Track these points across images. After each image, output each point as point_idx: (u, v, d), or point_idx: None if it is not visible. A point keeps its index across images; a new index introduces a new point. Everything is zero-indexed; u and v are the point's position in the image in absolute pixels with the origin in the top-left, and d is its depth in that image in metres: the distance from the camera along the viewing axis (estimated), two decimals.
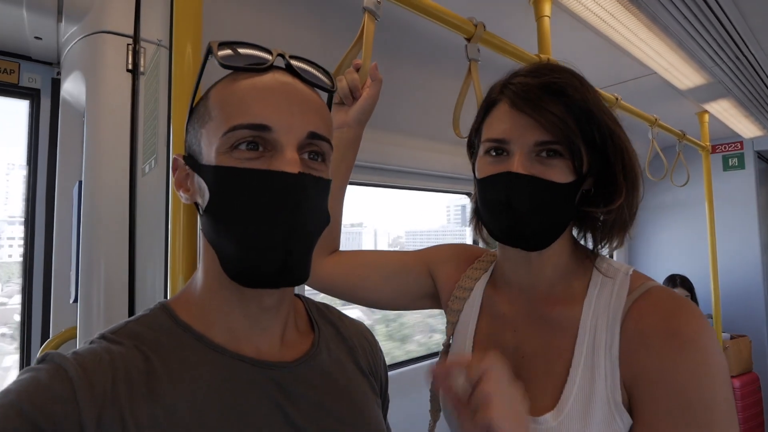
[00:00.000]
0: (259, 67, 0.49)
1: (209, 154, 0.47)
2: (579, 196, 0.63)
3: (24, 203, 1.31)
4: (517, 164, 0.60)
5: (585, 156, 0.60)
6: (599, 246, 0.66)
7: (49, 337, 1.17)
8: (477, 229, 0.75)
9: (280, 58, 0.51)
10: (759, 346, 3.09)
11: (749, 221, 3.17)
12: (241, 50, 0.50)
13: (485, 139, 0.65)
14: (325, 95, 0.57)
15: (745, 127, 2.74)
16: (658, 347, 0.55)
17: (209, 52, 0.49)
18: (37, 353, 1.08)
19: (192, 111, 0.52)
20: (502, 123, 0.63)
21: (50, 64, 1.31)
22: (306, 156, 0.48)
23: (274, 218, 0.45)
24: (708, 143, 2.44)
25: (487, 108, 0.68)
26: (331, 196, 0.84)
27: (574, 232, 0.70)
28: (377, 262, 0.85)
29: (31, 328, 1.27)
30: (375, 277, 0.84)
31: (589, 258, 0.67)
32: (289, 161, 0.45)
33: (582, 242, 0.70)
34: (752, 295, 3.18)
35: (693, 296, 2.82)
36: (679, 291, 2.81)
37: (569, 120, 0.58)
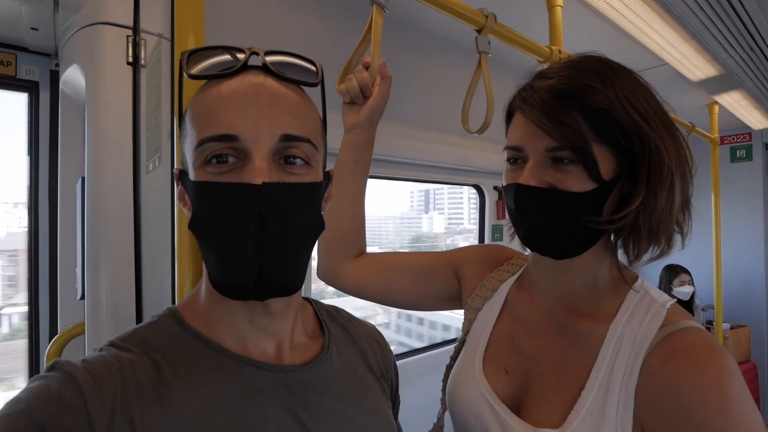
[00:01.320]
0: (227, 72, 0.46)
1: (191, 170, 0.46)
2: (618, 201, 0.59)
3: (27, 199, 1.29)
4: (527, 174, 0.58)
5: (612, 159, 0.56)
6: (629, 257, 0.61)
7: (57, 333, 1.16)
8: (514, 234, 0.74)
9: (255, 56, 0.47)
10: (758, 336, 3.12)
11: (755, 213, 3.16)
12: (209, 56, 0.47)
13: (505, 147, 0.64)
14: (312, 92, 0.52)
15: (754, 118, 2.70)
16: (686, 400, 0.51)
17: (181, 63, 0.47)
18: (46, 349, 1.08)
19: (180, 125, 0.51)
20: (516, 130, 0.62)
21: (48, 55, 1.28)
22: (283, 161, 0.45)
23: (241, 232, 0.43)
24: (717, 135, 2.41)
25: (508, 115, 0.67)
26: (352, 199, 0.83)
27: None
28: (405, 264, 0.85)
29: (39, 324, 1.27)
30: (403, 280, 0.84)
31: (627, 280, 0.63)
32: (257, 171, 0.42)
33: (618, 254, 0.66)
34: (754, 287, 3.20)
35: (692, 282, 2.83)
36: (684, 276, 2.80)
37: (582, 125, 0.55)
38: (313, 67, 0.51)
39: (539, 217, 0.59)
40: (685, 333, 0.55)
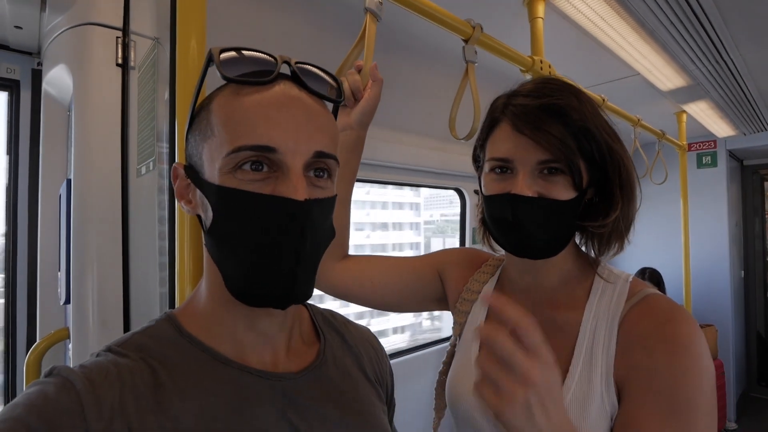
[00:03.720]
0: (264, 80, 0.46)
1: (212, 172, 0.45)
2: (582, 206, 0.66)
3: (5, 200, 1.26)
4: (521, 184, 0.62)
5: (585, 172, 0.64)
6: (600, 254, 0.69)
7: (35, 339, 1.13)
8: (485, 238, 0.78)
9: (285, 65, 0.48)
10: (723, 335, 3.26)
11: (719, 217, 3.32)
12: (244, 58, 0.47)
13: (490, 157, 0.68)
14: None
15: (719, 127, 2.85)
16: (651, 348, 0.59)
17: (210, 59, 0.47)
18: (25, 356, 1.05)
19: (192, 119, 0.50)
20: (505, 143, 0.65)
21: (30, 54, 1.25)
22: (311, 173, 0.47)
23: (280, 245, 0.44)
24: (685, 142, 2.53)
25: (490, 126, 0.70)
26: (338, 201, 0.84)
27: (577, 240, 0.73)
28: (389, 269, 0.87)
29: (16, 329, 1.23)
30: (387, 283, 0.86)
31: (591, 265, 0.71)
32: (296, 186, 0.43)
33: (584, 249, 0.73)
34: (719, 287, 3.34)
35: (661, 290, 2.94)
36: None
37: (568, 139, 0.61)
38: (336, 84, 0.53)
39: (532, 225, 0.64)
40: (647, 299, 0.64)
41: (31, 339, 1.24)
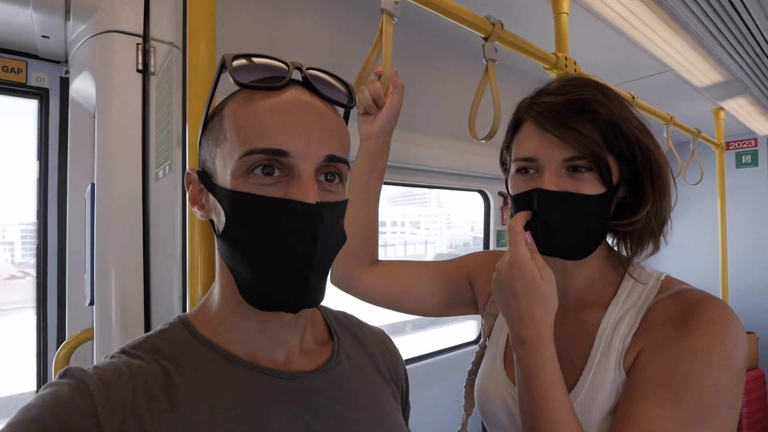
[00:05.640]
0: (276, 86, 0.47)
1: (224, 176, 0.46)
2: (614, 205, 0.64)
3: (36, 204, 1.30)
4: (547, 181, 0.61)
5: (615, 167, 0.62)
6: (632, 254, 0.66)
7: (65, 339, 1.17)
8: None
9: (296, 71, 0.49)
10: (766, 343, 3.08)
11: (761, 219, 3.15)
12: (257, 65, 0.48)
13: (516, 158, 0.67)
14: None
15: (760, 124, 2.70)
16: (667, 329, 0.57)
17: (223, 65, 0.47)
18: (54, 354, 1.08)
19: (205, 125, 0.51)
20: (530, 142, 0.64)
21: (58, 62, 1.29)
22: (323, 178, 0.47)
23: (292, 248, 0.44)
24: (722, 141, 2.40)
25: (515, 127, 0.69)
26: (366, 207, 0.84)
27: (609, 240, 0.71)
28: (420, 274, 0.87)
29: (47, 329, 1.27)
30: (418, 289, 0.86)
31: (623, 265, 0.68)
32: (307, 190, 0.44)
33: (616, 249, 0.71)
34: (761, 293, 3.17)
35: None
36: None
37: (595, 135, 0.60)
38: (346, 89, 0.53)
39: (560, 221, 0.62)
40: (680, 293, 0.61)
41: (61, 339, 1.28)
